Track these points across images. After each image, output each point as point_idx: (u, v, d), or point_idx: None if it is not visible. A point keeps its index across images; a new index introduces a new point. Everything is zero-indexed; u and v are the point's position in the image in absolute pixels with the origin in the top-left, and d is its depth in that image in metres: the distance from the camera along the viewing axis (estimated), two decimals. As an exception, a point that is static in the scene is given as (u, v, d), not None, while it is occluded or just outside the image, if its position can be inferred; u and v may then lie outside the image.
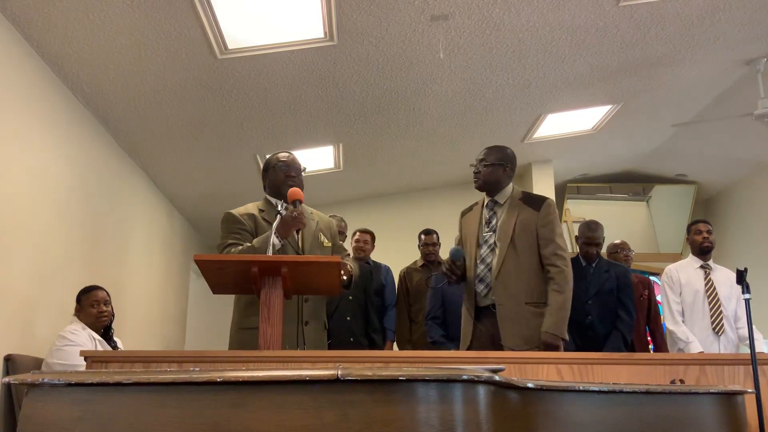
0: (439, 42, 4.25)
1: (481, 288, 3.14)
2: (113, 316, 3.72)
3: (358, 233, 5.04)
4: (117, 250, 5.05)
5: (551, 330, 2.96)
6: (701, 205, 8.53)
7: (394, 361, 2.63)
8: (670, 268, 4.27)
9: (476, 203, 3.36)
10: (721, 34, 4.71)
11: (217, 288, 2.67)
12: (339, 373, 1.29)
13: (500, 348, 3.00)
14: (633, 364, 2.60)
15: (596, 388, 1.73)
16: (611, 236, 5.39)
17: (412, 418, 1.29)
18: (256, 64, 4.24)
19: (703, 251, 4.18)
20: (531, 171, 7.33)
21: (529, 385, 1.55)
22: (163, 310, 6.30)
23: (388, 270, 5.09)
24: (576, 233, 4.64)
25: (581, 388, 1.70)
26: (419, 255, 5.16)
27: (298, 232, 2.89)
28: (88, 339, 3.48)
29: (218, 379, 1.30)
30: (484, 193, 3.29)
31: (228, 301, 2.98)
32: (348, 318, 4.62)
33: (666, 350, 4.41)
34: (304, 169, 3.04)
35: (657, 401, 1.85)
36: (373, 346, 4.67)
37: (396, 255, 5.70)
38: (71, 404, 1.31)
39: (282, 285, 2.52)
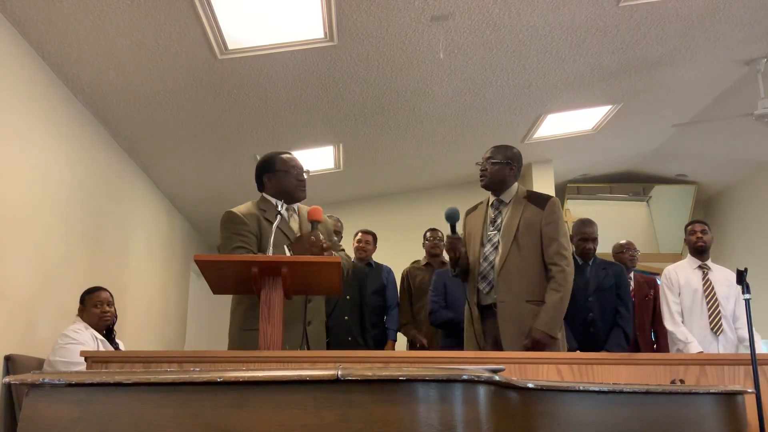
0: (439, 42, 4.25)
1: (483, 286, 3.14)
2: (116, 317, 3.74)
3: (360, 234, 5.04)
4: (117, 251, 5.05)
5: (542, 327, 2.96)
6: (701, 205, 8.53)
7: (394, 361, 2.63)
8: (669, 269, 4.29)
9: (481, 203, 3.37)
10: (721, 35, 4.71)
11: (217, 288, 2.67)
12: (339, 373, 1.29)
13: (502, 348, 3.00)
14: (633, 364, 2.59)
15: (596, 389, 1.73)
16: (611, 236, 5.39)
17: (412, 418, 1.29)
18: (256, 64, 4.24)
19: (697, 251, 4.19)
20: (531, 171, 7.33)
21: (530, 385, 1.55)
22: (163, 310, 6.30)
23: (389, 271, 5.09)
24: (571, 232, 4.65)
25: (581, 388, 1.70)
26: (419, 255, 5.16)
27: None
28: (90, 338, 3.50)
29: (218, 380, 1.30)
30: (489, 192, 3.30)
31: (228, 301, 2.98)
32: (346, 317, 4.62)
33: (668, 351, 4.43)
34: (307, 171, 3.05)
35: (657, 401, 1.85)
36: (367, 345, 4.67)
37: (396, 255, 5.70)
38: (72, 404, 1.31)
39: (282, 285, 2.52)
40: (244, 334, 2.81)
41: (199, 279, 6.67)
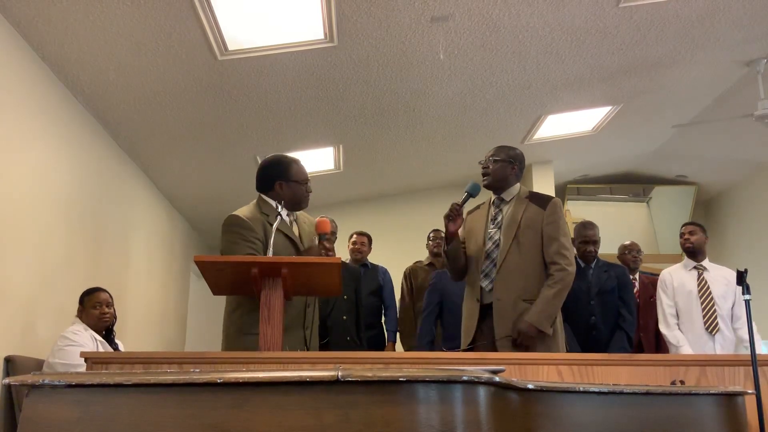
0: (439, 43, 4.25)
1: (486, 283, 3.14)
2: (115, 318, 3.73)
3: (355, 235, 5.04)
4: (117, 251, 5.05)
5: (531, 320, 2.96)
6: (701, 206, 8.52)
7: (394, 362, 2.63)
8: (664, 273, 4.31)
9: (483, 203, 3.38)
10: (721, 35, 4.71)
11: (217, 289, 2.67)
12: (339, 374, 1.29)
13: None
14: (633, 365, 2.59)
15: (596, 389, 1.73)
16: (611, 237, 5.39)
17: (412, 419, 1.29)
18: (256, 65, 4.24)
19: (687, 252, 4.21)
20: (531, 172, 7.32)
21: (530, 386, 1.55)
22: (164, 311, 6.30)
23: (385, 271, 5.09)
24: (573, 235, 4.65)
25: (581, 389, 1.70)
26: (420, 256, 5.16)
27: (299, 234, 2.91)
28: (90, 339, 3.49)
29: (218, 380, 1.30)
30: (491, 193, 3.31)
31: (229, 302, 2.98)
32: (344, 317, 4.62)
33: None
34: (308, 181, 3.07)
35: (657, 402, 1.85)
36: (362, 346, 4.67)
37: (396, 256, 5.70)
38: (72, 405, 1.31)
39: (282, 286, 2.52)
40: (244, 339, 2.80)
41: (199, 280, 6.66)
